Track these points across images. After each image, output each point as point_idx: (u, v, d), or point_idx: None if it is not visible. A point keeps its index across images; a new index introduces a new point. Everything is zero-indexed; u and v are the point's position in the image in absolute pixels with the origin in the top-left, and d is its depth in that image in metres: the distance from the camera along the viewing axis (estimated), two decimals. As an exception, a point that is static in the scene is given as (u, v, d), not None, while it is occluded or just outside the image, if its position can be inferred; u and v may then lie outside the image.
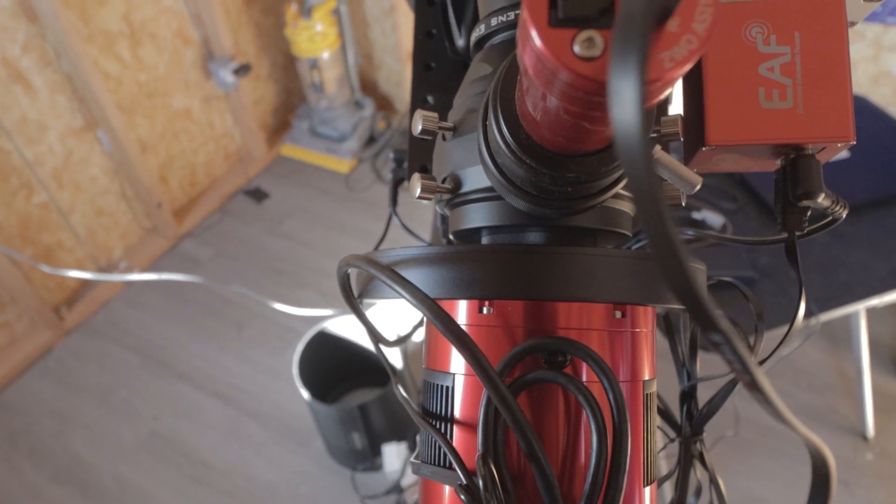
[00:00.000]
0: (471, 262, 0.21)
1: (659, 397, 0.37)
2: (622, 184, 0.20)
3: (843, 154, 1.21)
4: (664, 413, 0.36)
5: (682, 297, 0.10)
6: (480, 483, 0.18)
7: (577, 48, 0.12)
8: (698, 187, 0.20)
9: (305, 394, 1.31)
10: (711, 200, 1.14)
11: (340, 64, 2.27)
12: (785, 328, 0.92)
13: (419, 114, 0.24)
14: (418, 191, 0.24)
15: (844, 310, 0.99)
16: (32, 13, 1.56)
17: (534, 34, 0.12)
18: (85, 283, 1.91)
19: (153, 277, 1.09)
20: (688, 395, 0.35)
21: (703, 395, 0.34)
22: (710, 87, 0.24)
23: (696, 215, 1.11)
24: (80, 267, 1.92)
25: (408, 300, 0.20)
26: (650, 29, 0.09)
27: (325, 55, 2.18)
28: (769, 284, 0.99)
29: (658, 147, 0.19)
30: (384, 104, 2.56)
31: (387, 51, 2.39)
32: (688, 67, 0.12)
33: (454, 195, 0.24)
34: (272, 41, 2.36)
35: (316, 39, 2.13)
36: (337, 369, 1.54)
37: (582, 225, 0.23)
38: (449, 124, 0.24)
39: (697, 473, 0.37)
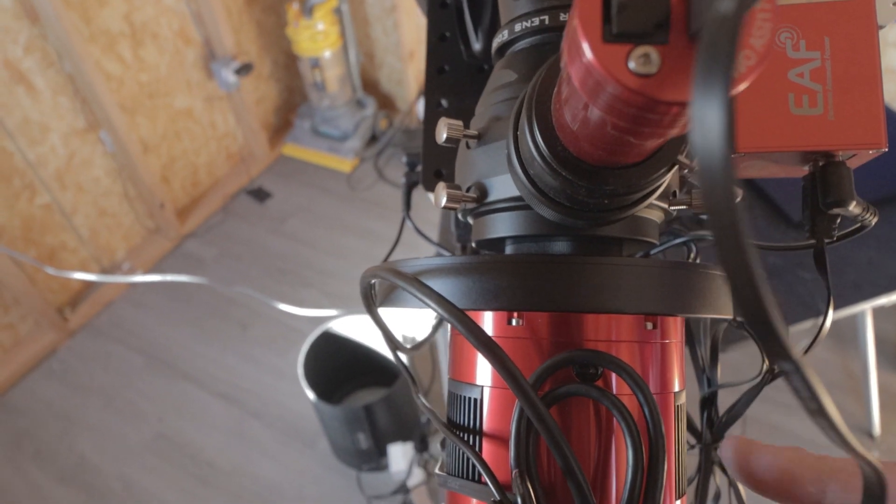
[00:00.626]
0: (498, 272, 0.21)
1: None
2: (657, 194, 0.20)
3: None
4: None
5: (756, 328, 0.09)
6: (519, 500, 0.18)
7: (632, 64, 0.11)
8: (738, 198, 0.20)
9: (311, 394, 1.31)
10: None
11: (342, 63, 2.27)
12: (792, 328, 0.91)
13: (444, 122, 0.23)
14: (444, 200, 0.23)
15: (853, 309, 0.99)
16: (34, 14, 1.56)
17: (586, 49, 0.11)
18: (89, 285, 1.91)
19: (157, 279, 1.09)
20: (708, 402, 0.35)
21: (723, 400, 0.34)
22: (739, 94, 0.24)
23: (704, 215, 1.11)
24: (84, 268, 1.92)
25: (437, 311, 0.19)
26: (738, 48, 0.08)
27: (327, 54, 2.18)
28: (778, 284, 0.99)
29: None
30: (386, 103, 2.55)
31: (388, 49, 2.38)
32: (747, 85, 0.11)
33: (479, 204, 0.24)
34: (274, 40, 2.36)
35: (317, 38, 2.13)
36: (342, 369, 1.54)
37: (609, 234, 0.23)
38: (473, 132, 0.24)
39: (717, 480, 0.37)
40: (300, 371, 1.35)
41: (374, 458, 1.46)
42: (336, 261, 2.04)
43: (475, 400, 0.22)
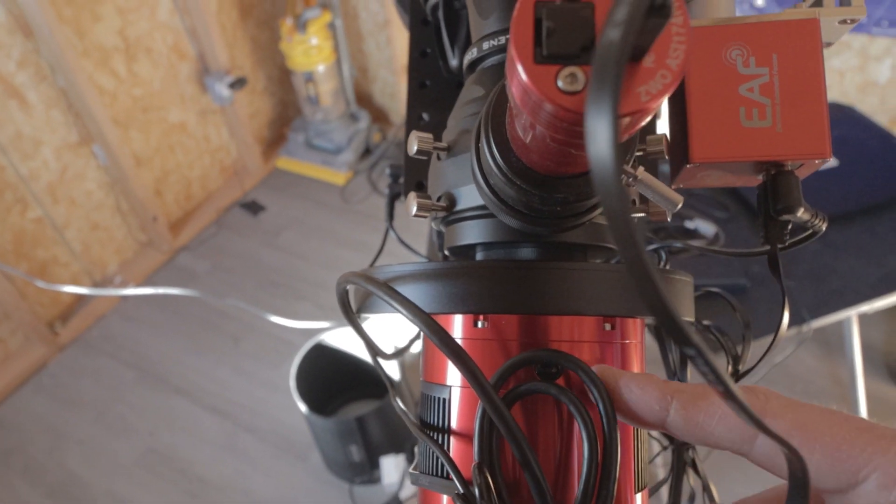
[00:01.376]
0: (465, 277, 0.22)
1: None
2: None
3: (832, 163, 1.23)
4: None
5: (657, 316, 0.10)
6: (476, 491, 0.19)
7: (560, 83, 0.13)
8: (679, 206, 0.21)
9: (303, 407, 1.31)
10: (704, 210, 1.15)
11: (336, 77, 2.29)
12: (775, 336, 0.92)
13: (414, 135, 0.25)
14: (414, 209, 0.24)
15: (836, 316, 1.00)
16: (28, 29, 1.57)
17: (520, 69, 0.13)
18: (80, 298, 1.91)
19: (149, 292, 1.09)
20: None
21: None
22: (694, 108, 0.25)
23: (689, 224, 1.13)
24: (76, 282, 1.92)
25: (405, 316, 0.20)
26: (622, 71, 0.10)
27: (321, 68, 2.20)
28: (762, 292, 1.01)
29: (641, 168, 0.20)
30: (379, 116, 2.58)
31: (382, 64, 2.41)
32: (663, 100, 0.13)
33: (449, 213, 0.25)
34: (268, 55, 2.38)
35: (311, 53, 2.15)
36: (334, 382, 1.54)
37: (573, 241, 0.24)
38: (443, 144, 0.25)
39: (691, 480, 0.38)
40: (292, 384, 1.35)
41: (367, 471, 1.45)
42: (329, 273, 2.05)
43: (444, 400, 0.23)
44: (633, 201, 0.25)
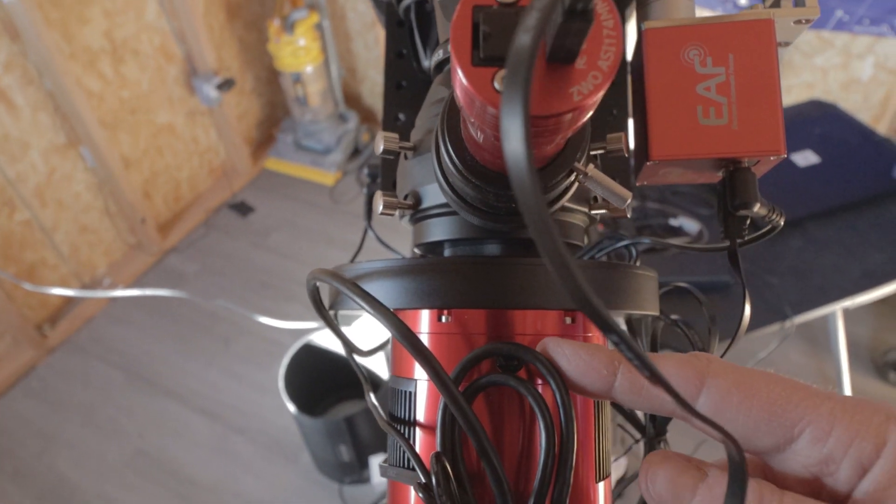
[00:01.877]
0: (429, 273, 0.23)
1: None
2: (566, 198, 0.22)
3: (815, 159, 1.25)
4: (629, 414, 0.37)
5: (578, 305, 0.11)
6: (433, 480, 0.20)
7: (496, 84, 0.13)
8: (629, 201, 0.21)
9: (292, 407, 1.31)
10: (688, 207, 1.16)
11: (324, 77, 2.29)
12: (759, 331, 0.93)
13: (381, 135, 0.25)
14: (381, 207, 0.25)
15: (818, 312, 1.02)
16: (14, 32, 1.57)
17: (459, 72, 0.13)
18: (68, 301, 1.90)
19: (137, 293, 1.09)
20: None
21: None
22: (653, 107, 0.26)
23: (673, 222, 1.14)
24: (64, 284, 1.91)
25: (368, 312, 0.21)
26: (531, 74, 0.10)
27: (309, 69, 2.20)
28: (746, 289, 1.02)
29: (591, 165, 0.20)
30: (368, 116, 2.58)
31: (370, 64, 2.41)
32: (595, 99, 0.13)
33: (415, 211, 0.26)
34: (256, 56, 2.38)
35: (299, 54, 2.15)
36: (323, 382, 1.54)
37: None
38: (409, 144, 0.26)
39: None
40: (281, 384, 1.35)
41: (357, 471, 1.46)
42: (319, 274, 2.05)
43: (410, 393, 0.24)
44: (595, 198, 0.26)
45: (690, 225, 1.12)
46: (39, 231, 1.78)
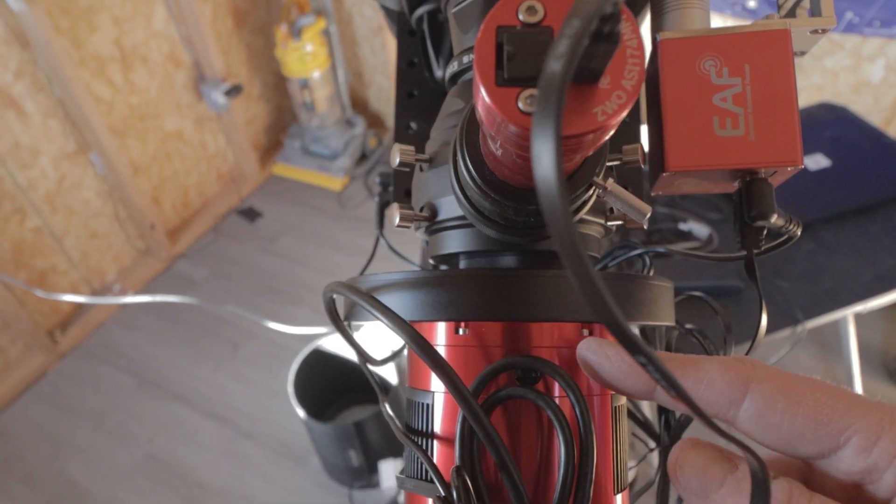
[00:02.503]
0: (446, 285, 0.23)
1: (637, 407, 0.38)
2: (583, 212, 0.22)
3: (825, 163, 1.24)
4: (643, 423, 0.37)
5: (612, 331, 0.11)
6: (454, 493, 0.20)
7: (520, 104, 0.13)
8: (648, 215, 0.21)
9: (301, 412, 1.32)
10: (697, 211, 1.16)
11: (331, 83, 2.30)
12: (770, 336, 0.93)
13: (397, 147, 0.25)
14: (397, 220, 0.25)
15: (830, 317, 1.01)
16: (24, 40, 1.58)
17: (483, 92, 0.13)
18: (79, 307, 1.92)
19: (147, 299, 1.10)
20: (665, 406, 0.36)
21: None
22: (669, 117, 0.26)
23: (683, 226, 1.13)
24: (74, 290, 1.92)
25: (386, 325, 0.21)
26: (563, 101, 0.10)
27: (316, 75, 2.21)
28: (756, 294, 1.01)
29: (611, 180, 0.20)
30: (375, 121, 2.59)
31: (377, 69, 2.42)
32: (619, 119, 0.13)
33: (431, 223, 0.26)
34: (263, 62, 2.39)
35: (306, 59, 2.16)
36: (332, 387, 1.55)
37: (552, 249, 0.25)
38: (425, 156, 0.26)
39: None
40: (290, 389, 1.35)
41: (366, 476, 1.46)
42: (327, 278, 2.05)
43: (427, 405, 0.24)
44: (611, 210, 0.26)
45: (700, 230, 1.11)
46: (50, 237, 1.80)
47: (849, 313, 1.05)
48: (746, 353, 0.31)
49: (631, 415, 0.37)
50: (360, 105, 2.56)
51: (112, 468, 1.57)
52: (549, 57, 0.10)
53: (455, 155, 0.21)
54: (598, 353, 0.20)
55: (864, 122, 1.34)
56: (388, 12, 0.49)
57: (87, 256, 1.94)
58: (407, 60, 0.43)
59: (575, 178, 0.19)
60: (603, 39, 0.11)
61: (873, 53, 1.67)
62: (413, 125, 0.43)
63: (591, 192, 0.20)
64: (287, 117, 2.63)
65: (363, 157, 2.48)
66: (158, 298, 1.14)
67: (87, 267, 1.96)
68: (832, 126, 1.33)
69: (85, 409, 1.71)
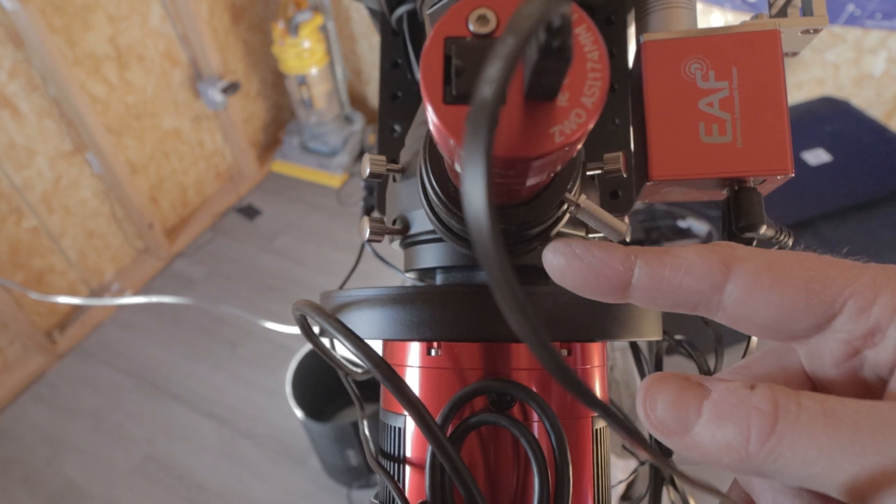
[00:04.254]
0: (417, 302, 0.22)
1: (628, 420, 0.37)
2: (558, 227, 0.20)
3: (826, 158, 1.22)
4: (634, 434, 0.36)
5: (566, 387, 0.10)
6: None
7: None
8: (624, 234, 0.20)
9: (299, 413, 1.31)
10: (696, 208, 1.14)
11: (329, 79, 2.29)
12: (765, 343, 0.92)
13: (366, 157, 0.24)
14: (367, 233, 0.24)
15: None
16: (18, 39, 1.57)
17: (430, 110, 0.12)
18: (77, 307, 1.91)
19: (142, 300, 1.09)
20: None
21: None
22: (652, 123, 0.25)
23: (682, 224, 1.12)
24: (72, 290, 1.92)
25: (349, 349, 0.20)
26: (492, 136, 0.09)
27: (314, 71, 2.20)
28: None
29: (583, 196, 0.19)
30: (374, 118, 2.57)
31: (375, 65, 2.40)
32: (579, 139, 0.12)
33: (404, 236, 0.25)
34: (260, 59, 2.38)
35: (304, 56, 2.15)
36: (331, 386, 1.54)
37: (531, 263, 0.24)
38: (398, 166, 0.25)
39: (671, 495, 0.37)
40: (288, 389, 1.34)
41: (365, 475, 1.45)
42: (326, 277, 2.05)
43: (399, 429, 0.23)
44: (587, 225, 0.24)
45: (699, 227, 1.10)
46: (47, 238, 1.79)
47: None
48: (742, 358, 0.30)
49: (621, 424, 0.36)
50: (358, 101, 2.55)
51: (111, 469, 1.57)
52: (480, 81, 0.09)
53: (420, 169, 0.20)
54: (566, 253, 0.18)
55: (866, 117, 1.32)
56: (372, 12, 0.47)
57: (84, 256, 1.94)
58: (390, 61, 0.42)
59: (543, 197, 0.18)
60: (552, 56, 0.10)
61: (875, 46, 1.65)
62: (397, 128, 0.42)
63: (562, 209, 0.19)
64: (285, 114, 2.62)
65: (362, 153, 2.47)
66: (154, 300, 1.13)
67: (85, 267, 1.95)
68: (833, 120, 1.31)
69: (83, 410, 1.70)
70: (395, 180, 0.25)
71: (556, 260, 0.18)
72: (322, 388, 1.50)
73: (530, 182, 0.14)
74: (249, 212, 2.31)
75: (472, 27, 0.12)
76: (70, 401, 1.73)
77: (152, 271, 2.09)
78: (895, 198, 1.14)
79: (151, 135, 2.02)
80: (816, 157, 1.21)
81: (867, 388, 0.17)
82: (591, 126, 0.12)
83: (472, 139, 0.09)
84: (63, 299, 1.05)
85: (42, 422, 1.68)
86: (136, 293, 2.02)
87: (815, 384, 0.18)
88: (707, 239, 1.09)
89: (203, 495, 1.50)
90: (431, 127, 0.13)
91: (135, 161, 1.99)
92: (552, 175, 0.18)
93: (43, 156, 1.72)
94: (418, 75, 0.37)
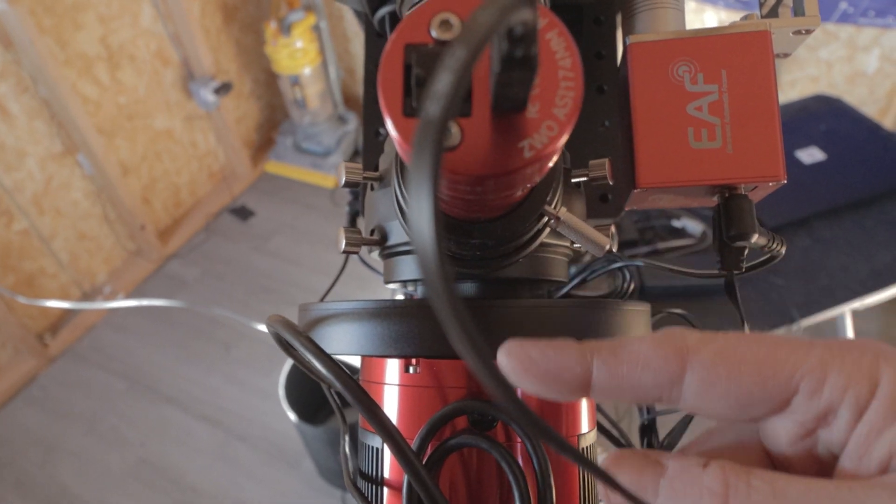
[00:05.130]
0: (394, 317, 0.21)
1: (620, 431, 0.36)
2: (542, 237, 0.20)
3: (820, 156, 1.22)
4: (621, 442, 0.35)
5: (526, 426, 0.09)
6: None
7: None
8: (608, 248, 0.19)
9: (292, 416, 1.30)
10: (692, 208, 1.14)
11: (322, 79, 2.27)
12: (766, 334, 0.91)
13: (342, 165, 0.23)
14: (343, 245, 0.23)
15: (825, 314, 0.99)
16: (7, 39, 1.55)
17: (389, 123, 0.11)
18: (69, 310, 1.90)
19: (133, 303, 1.08)
20: (648, 429, 0.35)
21: (663, 425, 0.34)
22: (639, 129, 0.24)
23: (676, 223, 1.11)
24: (64, 292, 1.90)
25: (318, 371, 0.19)
26: (440, 156, 0.08)
27: (307, 71, 2.18)
28: (749, 291, 0.99)
29: (564, 209, 0.18)
30: (368, 118, 2.55)
31: (368, 65, 2.39)
32: (552, 152, 0.11)
33: (382, 247, 0.24)
34: (253, 59, 2.36)
35: (296, 56, 2.13)
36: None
37: (513, 276, 0.23)
38: (375, 174, 0.24)
39: None
40: (281, 392, 1.33)
41: (360, 478, 1.44)
42: (321, 278, 2.03)
43: (377, 449, 0.22)
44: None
45: (694, 226, 1.09)
46: (38, 240, 1.77)
47: (846, 310, 1.03)
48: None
49: (608, 433, 0.35)
50: (352, 101, 2.53)
51: (104, 473, 1.55)
52: (427, 96, 0.08)
53: (395, 180, 0.19)
54: (521, 356, 0.17)
55: (860, 114, 1.32)
56: (356, 14, 0.46)
57: (76, 258, 1.92)
58: (374, 63, 0.41)
59: (520, 211, 0.17)
60: (516, 66, 0.09)
61: (868, 44, 1.65)
62: (382, 131, 0.41)
63: (542, 222, 0.18)
64: (278, 114, 2.60)
65: (356, 153, 2.45)
66: (146, 303, 1.12)
67: (77, 269, 1.93)
68: (827, 118, 1.30)
69: (76, 414, 1.69)
70: (372, 188, 0.25)
71: (511, 364, 0.17)
72: (316, 391, 1.49)
73: (503, 196, 0.14)
74: (243, 212, 2.29)
75: (434, 33, 0.12)
76: (63, 404, 1.71)
77: (145, 273, 2.08)
78: (890, 196, 1.13)
79: (143, 135, 2.01)
80: (810, 155, 1.21)
81: (820, 464, 0.17)
82: (564, 139, 0.11)
83: (417, 164, 0.08)
84: (53, 303, 1.04)
85: (34, 426, 1.67)
86: (129, 295, 2.00)
87: (771, 458, 0.18)
88: (701, 238, 1.08)
89: (197, 498, 1.49)
90: (393, 140, 0.12)
91: (127, 162, 1.98)
92: (529, 187, 0.17)
93: (33, 157, 1.70)
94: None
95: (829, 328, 1.57)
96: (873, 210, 1.12)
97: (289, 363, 1.40)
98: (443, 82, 0.08)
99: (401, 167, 0.18)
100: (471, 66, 0.09)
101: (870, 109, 1.72)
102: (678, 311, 0.32)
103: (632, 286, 0.34)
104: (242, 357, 1.79)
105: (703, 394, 0.17)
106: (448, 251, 0.19)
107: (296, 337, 0.20)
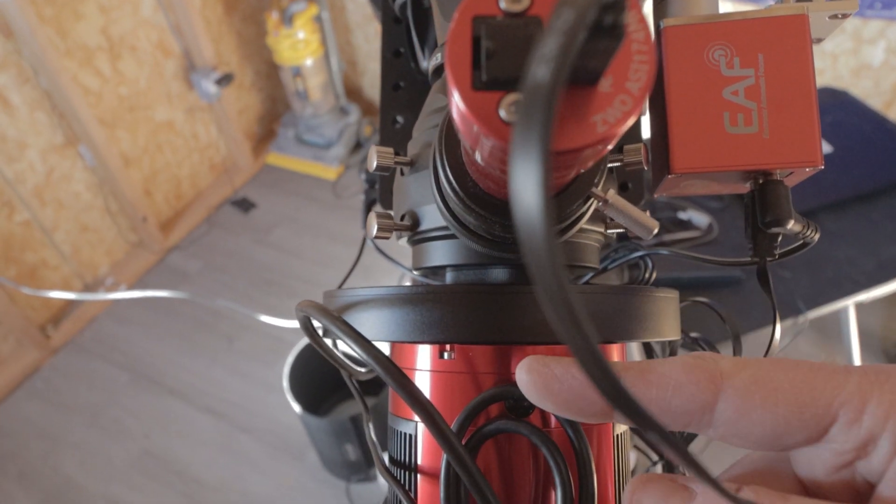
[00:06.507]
0: (428, 303, 0.21)
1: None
2: (580, 225, 0.19)
3: (827, 149, 1.21)
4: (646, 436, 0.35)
5: (625, 413, 0.09)
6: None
7: (502, 113, 0.11)
8: (655, 231, 0.19)
9: (297, 407, 1.30)
10: (697, 200, 1.13)
11: (324, 71, 2.26)
12: (771, 328, 0.91)
13: (373, 149, 0.23)
14: (374, 230, 0.23)
15: (832, 306, 0.99)
16: (7, 30, 1.54)
17: (457, 97, 0.11)
18: (71, 301, 1.89)
19: (136, 295, 1.07)
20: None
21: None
22: (674, 113, 0.24)
23: (682, 215, 1.11)
24: (66, 284, 1.90)
25: (357, 353, 0.19)
26: (551, 121, 0.08)
27: (309, 62, 2.17)
28: (756, 283, 0.99)
29: (612, 191, 0.18)
30: (370, 109, 2.55)
31: (371, 56, 2.37)
32: (623, 129, 0.11)
33: (413, 232, 0.24)
34: (255, 50, 2.35)
35: (298, 47, 2.12)
36: (329, 379, 1.53)
37: None
38: (406, 159, 0.24)
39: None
40: (285, 384, 1.33)
41: (363, 469, 1.45)
42: (323, 270, 2.03)
43: (410, 436, 0.22)
44: (610, 218, 0.23)
45: (700, 218, 1.09)
46: (39, 231, 1.77)
47: (850, 303, 1.03)
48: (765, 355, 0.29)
49: (634, 428, 0.35)
50: (354, 93, 2.52)
51: (107, 465, 1.56)
52: (534, 59, 0.08)
53: (435, 162, 0.19)
54: (544, 374, 0.17)
55: (866, 107, 1.31)
56: (372, 0, 0.46)
57: (78, 250, 1.92)
58: (392, 50, 0.41)
59: (569, 191, 0.17)
60: (604, 34, 0.09)
61: (874, 36, 1.64)
62: (399, 119, 0.40)
63: (588, 204, 0.18)
64: (280, 106, 2.59)
65: (358, 145, 2.45)
66: (149, 294, 1.11)
67: (79, 261, 1.93)
68: (833, 111, 1.30)
69: (79, 405, 1.69)
70: (402, 174, 0.24)
71: (533, 381, 0.17)
72: (320, 382, 1.49)
73: (559, 176, 0.13)
74: (244, 204, 2.29)
75: (503, 5, 0.11)
76: (65, 396, 1.71)
77: (147, 265, 2.07)
78: (895, 189, 1.13)
79: (145, 127, 2.00)
80: (817, 147, 1.20)
81: (855, 491, 0.16)
82: (636, 115, 0.11)
83: (526, 129, 0.08)
84: (56, 294, 1.04)
85: (37, 417, 1.67)
86: (131, 287, 2.00)
87: (805, 485, 0.18)
88: (707, 230, 1.08)
89: (201, 490, 1.49)
90: (456, 115, 0.12)
91: (128, 153, 1.97)
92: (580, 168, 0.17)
93: (34, 149, 1.69)
94: (423, 64, 0.36)
95: (831, 318, 1.57)
96: (879, 202, 1.12)
97: (292, 355, 1.40)
98: (550, 45, 0.08)
99: (446, 148, 0.17)
100: (580, 28, 0.08)
101: (875, 102, 1.71)
102: (703, 299, 0.32)
103: (654, 275, 0.33)
104: (245, 349, 1.79)
105: (736, 422, 0.16)
106: (488, 234, 0.19)
107: (332, 321, 0.20)
